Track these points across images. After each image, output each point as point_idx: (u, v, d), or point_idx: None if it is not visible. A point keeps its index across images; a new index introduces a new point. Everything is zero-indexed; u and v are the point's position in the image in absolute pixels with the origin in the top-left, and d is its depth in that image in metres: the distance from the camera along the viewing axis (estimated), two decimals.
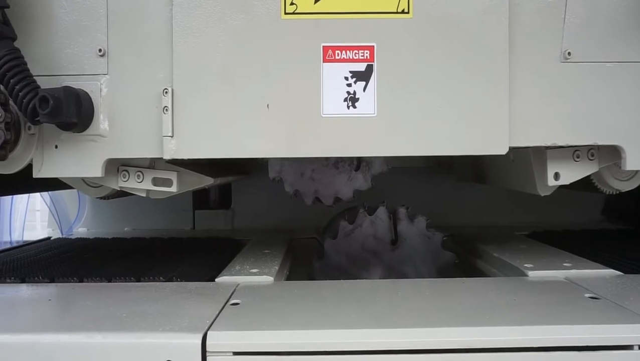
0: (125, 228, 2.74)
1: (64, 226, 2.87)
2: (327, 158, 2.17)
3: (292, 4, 1.39)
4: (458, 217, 2.63)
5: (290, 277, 1.79)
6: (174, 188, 1.54)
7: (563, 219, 2.64)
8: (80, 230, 2.74)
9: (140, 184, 1.52)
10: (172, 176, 1.54)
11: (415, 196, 2.51)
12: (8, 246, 2.64)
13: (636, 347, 1.07)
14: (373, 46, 1.40)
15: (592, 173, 1.58)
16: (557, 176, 1.55)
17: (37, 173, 1.43)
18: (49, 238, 2.49)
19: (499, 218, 2.70)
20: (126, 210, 2.71)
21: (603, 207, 2.84)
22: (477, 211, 2.75)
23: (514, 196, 2.38)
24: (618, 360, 1.07)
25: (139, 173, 1.53)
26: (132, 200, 2.24)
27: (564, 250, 1.86)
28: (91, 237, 2.40)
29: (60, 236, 2.71)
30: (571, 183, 1.58)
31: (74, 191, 2.72)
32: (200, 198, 2.84)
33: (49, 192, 2.88)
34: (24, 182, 1.60)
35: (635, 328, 1.09)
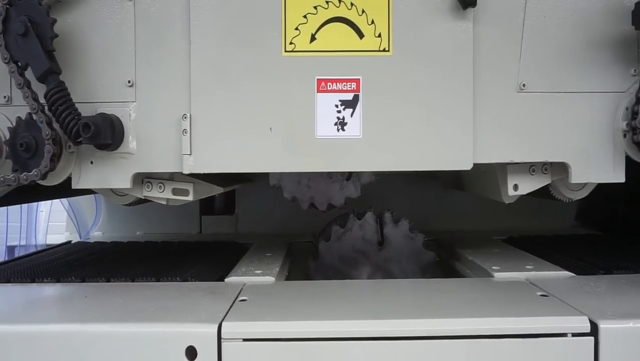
0: (137, 232, 2.92)
1: (80, 230, 3.06)
2: None
3: (291, 43, 1.61)
4: (442, 223, 2.81)
5: (289, 277, 1.99)
6: (190, 197, 1.76)
7: (541, 224, 2.82)
8: (96, 234, 2.92)
9: (161, 194, 1.74)
10: (189, 187, 1.76)
11: (402, 203, 2.69)
12: (34, 250, 2.82)
13: (570, 334, 1.28)
14: (359, 79, 1.62)
15: (549, 184, 1.79)
16: (516, 187, 1.76)
17: (75, 185, 1.64)
18: (69, 242, 2.68)
19: (481, 224, 2.87)
20: (138, 215, 2.91)
21: (576, 213, 3.03)
22: (461, 216, 2.93)
23: (496, 203, 2.56)
24: (555, 345, 1.28)
25: (161, 184, 1.75)
26: (144, 207, 2.45)
27: (534, 253, 2.05)
28: (108, 241, 2.58)
29: (79, 240, 2.90)
30: (534, 192, 1.79)
31: (91, 197, 2.93)
32: (206, 205, 3.04)
33: (68, 199, 3.08)
34: (48, 190, 1.76)
35: (568, 319, 1.30)
